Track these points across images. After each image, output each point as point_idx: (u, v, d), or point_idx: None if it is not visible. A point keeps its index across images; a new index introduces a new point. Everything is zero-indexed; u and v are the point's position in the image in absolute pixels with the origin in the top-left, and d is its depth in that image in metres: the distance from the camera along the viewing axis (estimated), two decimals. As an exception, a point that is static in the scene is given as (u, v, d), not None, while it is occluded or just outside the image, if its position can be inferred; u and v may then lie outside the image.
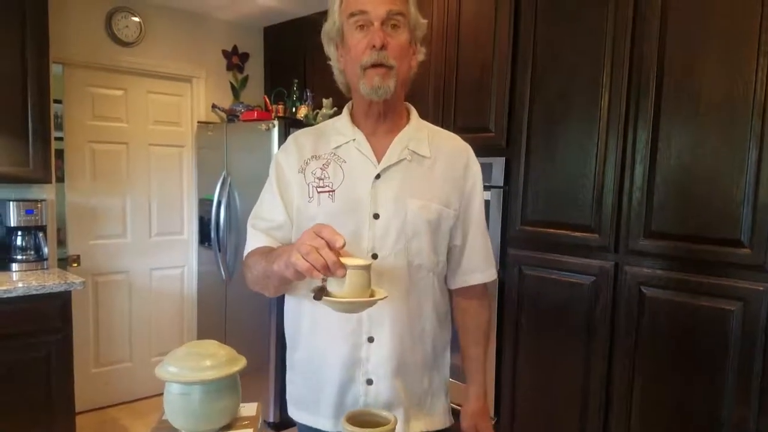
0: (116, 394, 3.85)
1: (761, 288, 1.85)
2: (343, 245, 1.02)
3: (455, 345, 1.46)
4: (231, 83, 4.23)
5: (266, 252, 1.24)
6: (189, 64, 4.01)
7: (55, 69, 3.30)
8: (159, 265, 4.01)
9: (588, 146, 2.26)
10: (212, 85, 4.14)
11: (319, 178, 1.29)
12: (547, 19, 2.39)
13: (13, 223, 3.09)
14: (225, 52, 4.19)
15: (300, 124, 3.34)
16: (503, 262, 2.55)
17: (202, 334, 4.07)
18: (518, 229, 2.52)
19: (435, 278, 1.36)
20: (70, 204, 3.62)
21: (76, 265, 3.60)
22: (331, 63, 1.35)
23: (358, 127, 1.34)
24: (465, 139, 1.45)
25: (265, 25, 4.32)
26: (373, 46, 1.21)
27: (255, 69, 4.36)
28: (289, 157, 1.35)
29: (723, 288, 1.93)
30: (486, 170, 2.45)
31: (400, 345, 1.30)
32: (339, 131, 1.35)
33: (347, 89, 1.37)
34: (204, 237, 3.94)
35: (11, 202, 3.09)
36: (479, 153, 1.45)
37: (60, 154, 3.56)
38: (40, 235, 3.18)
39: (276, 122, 3.27)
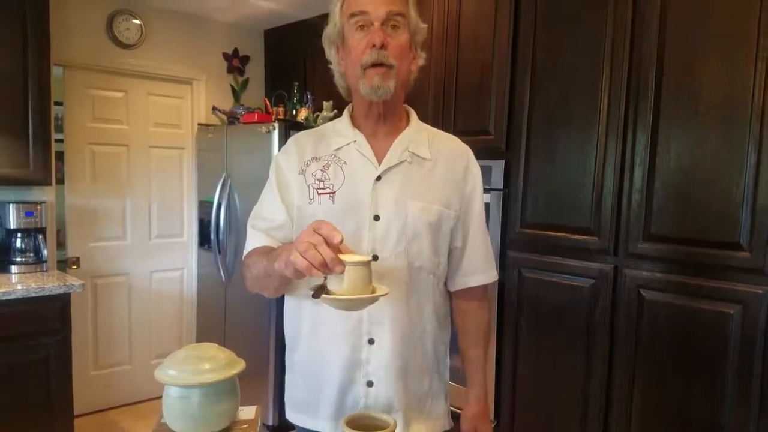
0: (115, 396, 3.84)
1: (760, 291, 1.84)
2: (341, 241, 1.02)
3: (454, 347, 1.46)
4: (231, 86, 4.23)
5: (266, 252, 1.24)
6: (190, 67, 4.02)
7: (55, 71, 3.30)
8: (159, 268, 4.01)
9: (587, 149, 2.27)
10: (213, 88, 4.14)
11: (320, 180, 1.30)
12: (546, 22, 2.40)
13: (12, 225, 3.09)
14: (226, 55, 4.20)
15: (300, 127, 3.34)
16: (503, 265, 2.55)
17: (202, 336, 4.06)
18: (518, 231, 2.52)
19: (435, 280, 1.37)
20: (70, 206, 3.62)
21: (75, 267, 3.60)
22: (332, 67, 1.36)
23: (359, 129, 1.34)
24: (465, 142, 1.45)
25: (266, 28, 4.33)
26: (373, 45, 1.22)
27: (255, 71, 4.36)
28: (289, 159, 1.35)
29: (722, 291, 1.93)
30: (486, 173, 2.45)
31: (400, 347, 1.30)
32: (339, 133, 1.36)
33: (347, 93, 1.38)
34: (204, 239, 3.94)
35: (11, 204, 3.09)
36: (479, 156, 1.45)
37: (60, 156, 3.56)
38: (40, 237, 3.18)
39: (276, 125, 3.27)
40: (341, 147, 1.33)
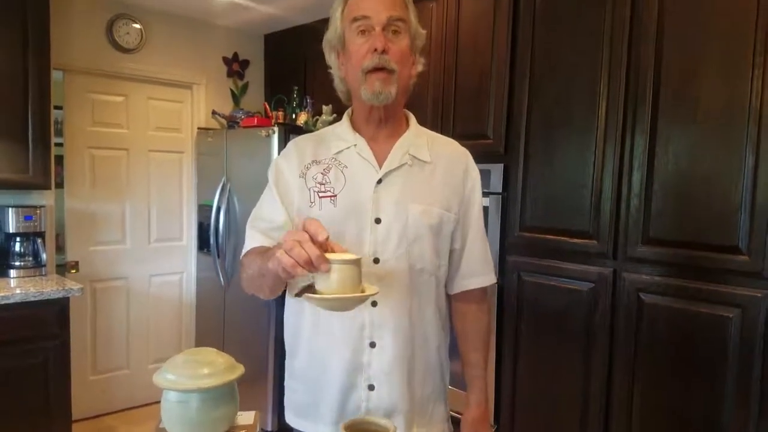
0: (113, 401, 3.83)
1: (759, 294, 1.85)
2: (327, 238, 1.00)
3: (454, 351, 1.46)
4: (231, 90, 4.24)
5: (263, 251, 1.23)
6: (189, 71, 4.02)
7: (55, 75, 3.31)
8: (158, 271, 4.00)
9: (586, 153, 2.27)
10: (212, 92, 4.15)
11: (321, 183, 1.30)
12: (545, 26, 2.40)
13: (11, 229, 3.09)
14: (225, 59, 4.20)
15: (300, 131, 3.34)
16: (502, 269, 2.55)
17: (201, 340, 4.06)
18: (517, 235, 2.52)
19: (437, 282, 1.37)
20: (69, 210, 3.62)
21: (74, 271, 3.60)
22: (332, 71, 1.36)
23: (359, 133, 1.34)
24: (464, 146, 1.45)
25: (266, 33, 4.34)
26: (375, 50, 1.22)
27: (255, 76, 4.37)
28: (290, 162, 1.35)
29: (721, 294, 1.93)
30: (485, 177, 2.45)
31: (402, 350, 1.30)
32: (340, 137, 1.36)
33: (347, 97, 1.38)
34: (203, 243, 3.94)
35: (10, 208, 3.09)
36: (478, 159, 1.46)
37: (60, 160, 3.56)
38: (39, 241, 3.18)
39: (276, 129, 3.27)
40: (342, 150, 1.33)
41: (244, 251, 1.33)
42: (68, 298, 2.85)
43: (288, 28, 4.11)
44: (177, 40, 3.94)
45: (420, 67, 1.35)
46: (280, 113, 3.68)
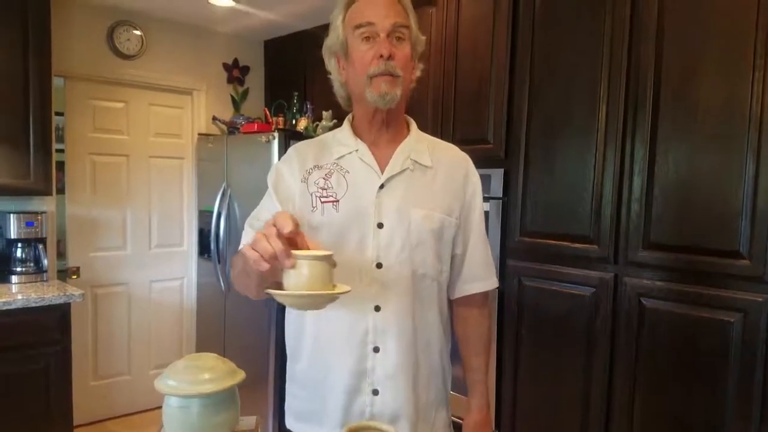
0: (115, 406, 3.83)
1: (760, 299, 1.84)
2: (291, 231, 0.97)
3: (455, 356, 1.46)
4: (231, 96, 4.25)
5: None
6: (190, 77, 4.04)
7: (56, 81, 3.32)
8: (158, 277, 4.01)
9: (586, 157, 2.27)
10: (213, 98, 4.16)
11: (323, 188, 1.30)
12: (544, 30, 2.41)
13: (13, 235, 3.10)
14: (226, 65, 4.22)
15: (300, 137, 3.35)
16: (503, 274, 2.55)
17: (201, 346, 4.06)
18: (517, 240, 2.52)
19: (439, 287, 1.37)
20: (70, 216, 3.62)
21: (75, 277, 3.60)
22: (332, 77, 1.37)
23: (360, 139, 1.35)
24: (464, 151, 1.46)
25: (266, 39, 4.35)
26: (381, 56, 1.23)
27: (255, 82, 4.38)
28: (291, 166, 1.36)
29: (722, 299, 1.93)
30: (485, 181, 2.46)
31: (406, 354, 1.30)
32: (341, 142, 1.36)
33: (347, 103, 1.39)
34: (204, 249, 3.94)
35: (11, 214, 3.10)
36: (478, 164, 1.46)
37: (61, 166, 3.57)
38: (40, 247, 3.18)
39: (276, 134, 3.28)
40: (343, 156, 1.34)
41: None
42: (69, 304, 2.85)
43: (288, 34, 4.13)
44: (177, 47, 3.96)
45: (418, 73, 1.36)
46: (281, 119, 3.69)
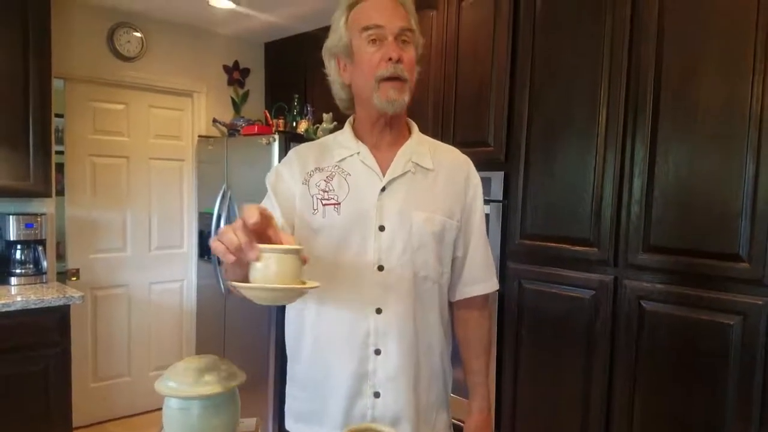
0: (114, 408, 3.82)
1: (760, 302, 1.85)
2: (256, 222, 0.95)
3: (455, 358, 1.46)
4: (232, 98, 4.25)
5: None
6: (190, 79, 4.04)
7: (56, 83, 3.33)
8: (158, 279, 4.01)
9: (586, 160, 2.27)
10: (213, 100, 4.16)
11: (324, 191, 1.30)
12: (544, 34, 2.41)
13: (12, 236, 3.10)
14: (226, 67, 4.22)
15: (300, 139, 3.35)
16: (503, 276, 2.55)
17: (201, 347, 4.05)
18: (517, 242, 2.52)
19: (440, 290, 1.37)
20: (69, 218, 3.62)
21: (75, 278, 3.60)
22: (331, 78, 1.37)
23: (361, 140, 1.35)
24: (464, 153, 1.46)
25: (266, 41, 4.36)
26: (390, 59, 1.24)
27: (256, 84, 4.38)
28: (291, 168, 1.35)
29: (722, 302, 1.93)
30: (485, 184, 2.46)
31: (407, 357, 1.30)
32: (342, 145, 1.36)
33: (346, 105, 1.39)
34: (204, 250, 3.94)
35: (11, 216, 3.10)
36: (478, 167, 1.46)
37: (60, 167, 3.57)
38: (40, 248, 3.18)
39: (276, 136, 3.28)
40: (344, 158, 1.34)
41: None
42: (69, 306, 2.85)
43: (288, 37, 4.13)
44: (178, 49, 3.96)
45: (415, 75, 1.36)
46: (281, 121, 3.69)
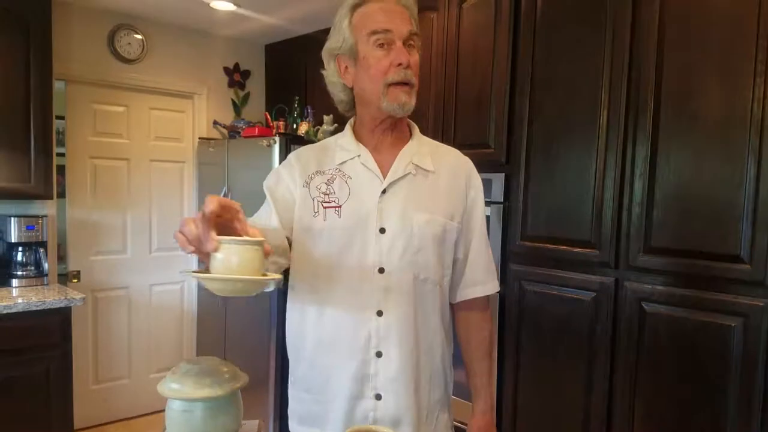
0: (115, 410, 3.83)
1: (761, 304, 1.84)
2: (213, 211, 0.94)
3: (457, 360, 1.46)
4: (232, 100, 4.26)
5: None
6: (191, 81, 4.04)
7: (57, 85, 3.33)
8: (159, 281, 4.01)
9: (587, 162, 2.28)
10: (214, 102, 4.17)
11: (325, 193, 1.30)
12: (545, 35, 2.41)
13: (13, 238, 3.10)
14: (226, 69, 4.23)
15: (301, 141, 3.36)
16: (504, 278, 2.55)
17: (202, 350, 4.05)
18: (518, 244, 2.52)
19: (441, 292, 1.37)
20: (70, 219, 3.63)
21: (76, 280, 3.60)
22: (331, 80, 1.36)
23: (362, 143, 1.35)
24: (465, 155, 1.46)
25: (267, 43, 4.36)
26: (399, 64, 1.24)
27: (256, 86, 4.39)
28: (292, 171, 1.36)
29: (723, 304, 1.93)
30: (486, 186, 2.46)
31: (408, 359, 1.30)
32: (343, 147, 1.36)
33: (346, 106, 1.39)
34: (204, 253, 3.93)
35: (12, 218, 3.10)
36: (479, 169, 1.46)
37: (61, 169, 3.57)
38: (41, 250, 3.19)
39: (277, 138, 3.29)
40: (345, 161, 1.34)
41: None
42: (70, 308, 2.86)
43: (289, 38, 4.14)
44: (178, 51, 3.97)
45: None
46: (281, 123, 3.69)
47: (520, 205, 2.51)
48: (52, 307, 2.78)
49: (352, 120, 1.41)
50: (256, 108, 4.33)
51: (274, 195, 1.34)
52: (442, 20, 2.86)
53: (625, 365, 2.17)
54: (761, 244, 1.83)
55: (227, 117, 4.15)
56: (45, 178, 3.08)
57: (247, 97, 4.32)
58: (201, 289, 4.07)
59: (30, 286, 3.11)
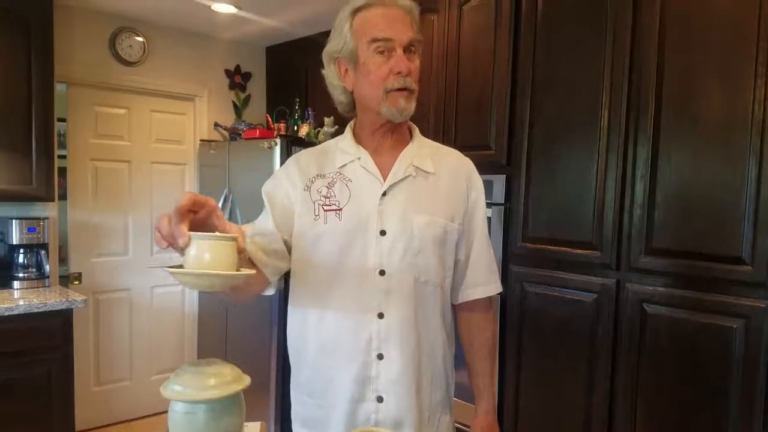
0: (116, 412, 3.83)
1: (763, 305, 1.84)
2: (183, 206, 0.94)
3: (459, 362, 1.46)
4: (233, 102, 4.26)
5: None
6: (192, 83, 4.05)
7: (59, 87, 3.34)
8: (160, 283, 4.01)
9: (588, 163, 2.28)
10: (215, 104, 4.17)
11: (325, 197, 1.30)
12: (546, 38, 2.42)
13: (15, 240, 3.10)
14: (227, 72, 4.23)
15: (302, 143, 3.36)
16: (505, 279, 2.55)
17: (203, 352, 4.05)
18: (519, 245, 2.52)
19: (442, 293, 1.37)
20: (72, 222, 3.63)
21: (77, 282, 3.61)
22: (331, 82, 1.36)
23: (362, 146, 1.35)
24: (466, 156, 1.46)
25: (268, 45, 4.37)
26: (399, 72, 1.24)
27: (257, 88, 4.39)
28: (291, 175, 1.36)
29: (725, 305, 1.93)
30: (487, 187, 2.44)
31: (410, 361, 1.30)
32: (343, 150, 1.36)
33: (346, 108, 1.39)
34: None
35: (14, 220, 3.10)
36: (480, 170, 1.46)
37: (63, 172, 3.58)
38: (42, 252, 3.19)
39: (278, 140, 3.29)
40: (345, 164, 1.34)
41: None
42: (71, 310, 2.86)
43: (290, 41, 4.14)
44: (179, 53, 3.97)
45: None
46: (282, 125, 3.70)
47: (521, 207, 2.51)
48: (54, 309, 2.78)
49: (352, 122, 1.41)
50: (257, 110, 4.34)
51: (272, 200, 1.34)
52: (443, 22, 2.86)
53: (627, 367, 2.17)
54: (762, 245, 1.83)
55: (228, 119, 4.16)
56: (46, 180, 3.09)
57: (248, 99, 4.32)
58: (202, 291, 4.06)
59: (31, 288, 3.11)
